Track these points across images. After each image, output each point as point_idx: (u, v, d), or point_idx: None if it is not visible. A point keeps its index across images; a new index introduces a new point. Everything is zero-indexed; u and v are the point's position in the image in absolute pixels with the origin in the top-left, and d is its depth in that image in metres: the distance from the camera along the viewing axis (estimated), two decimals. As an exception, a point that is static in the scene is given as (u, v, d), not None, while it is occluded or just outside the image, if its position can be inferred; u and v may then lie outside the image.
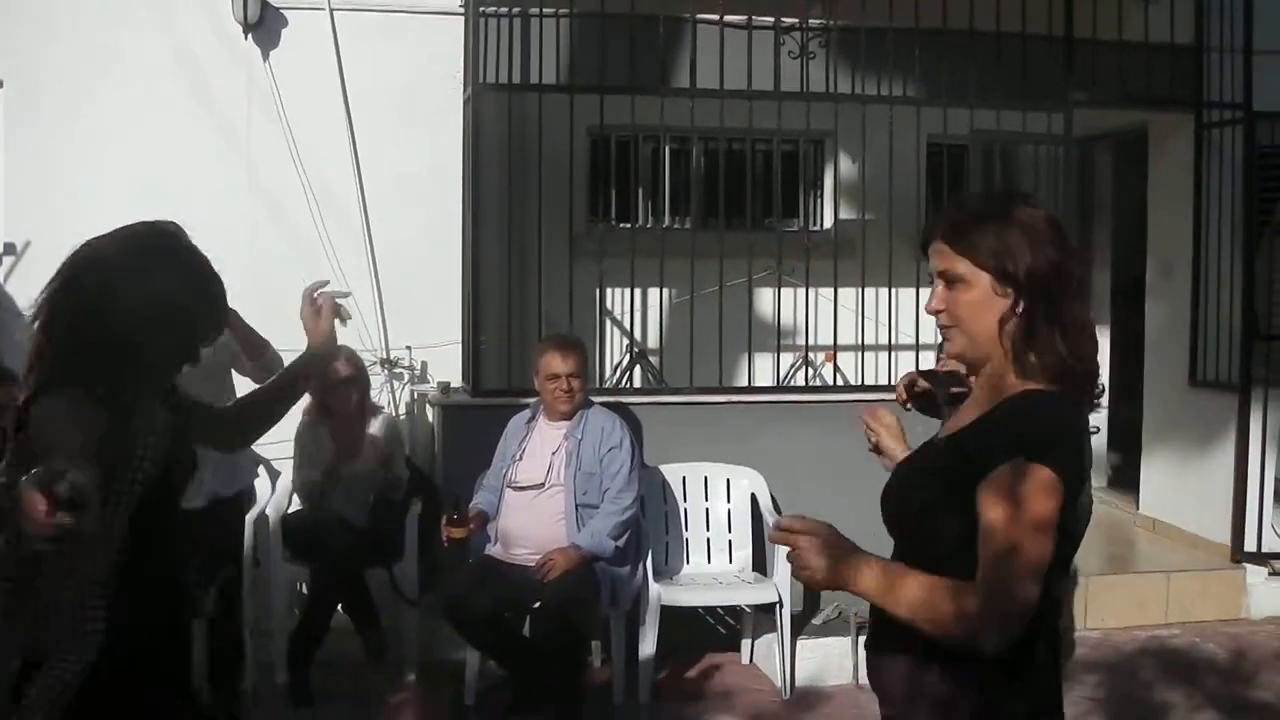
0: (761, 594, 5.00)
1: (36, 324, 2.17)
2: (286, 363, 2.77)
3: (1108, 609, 5.73)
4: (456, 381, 5.56)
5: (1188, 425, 6.42)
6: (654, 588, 4.82)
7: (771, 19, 5.46)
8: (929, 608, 1.82)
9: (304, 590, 5.12)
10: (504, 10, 5.37)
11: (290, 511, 5.10)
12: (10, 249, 5.42)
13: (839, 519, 1.94)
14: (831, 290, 5.69)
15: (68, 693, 2.03)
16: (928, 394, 2.71)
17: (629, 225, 6.48)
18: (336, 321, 2.59)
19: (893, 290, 5.63)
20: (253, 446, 3.42)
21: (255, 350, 4.19)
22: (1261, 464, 5.92)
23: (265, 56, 5.65)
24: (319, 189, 5.69)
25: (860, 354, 5.90)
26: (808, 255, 5.64)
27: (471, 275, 5.35)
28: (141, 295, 2.16)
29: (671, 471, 5.29)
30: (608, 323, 6.06)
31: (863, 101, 5.59)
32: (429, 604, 4.83)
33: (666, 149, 6.58)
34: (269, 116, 5.63)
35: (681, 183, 6.82)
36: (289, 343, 3.74)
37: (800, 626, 5.14)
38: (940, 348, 2.41)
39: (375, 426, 5.05)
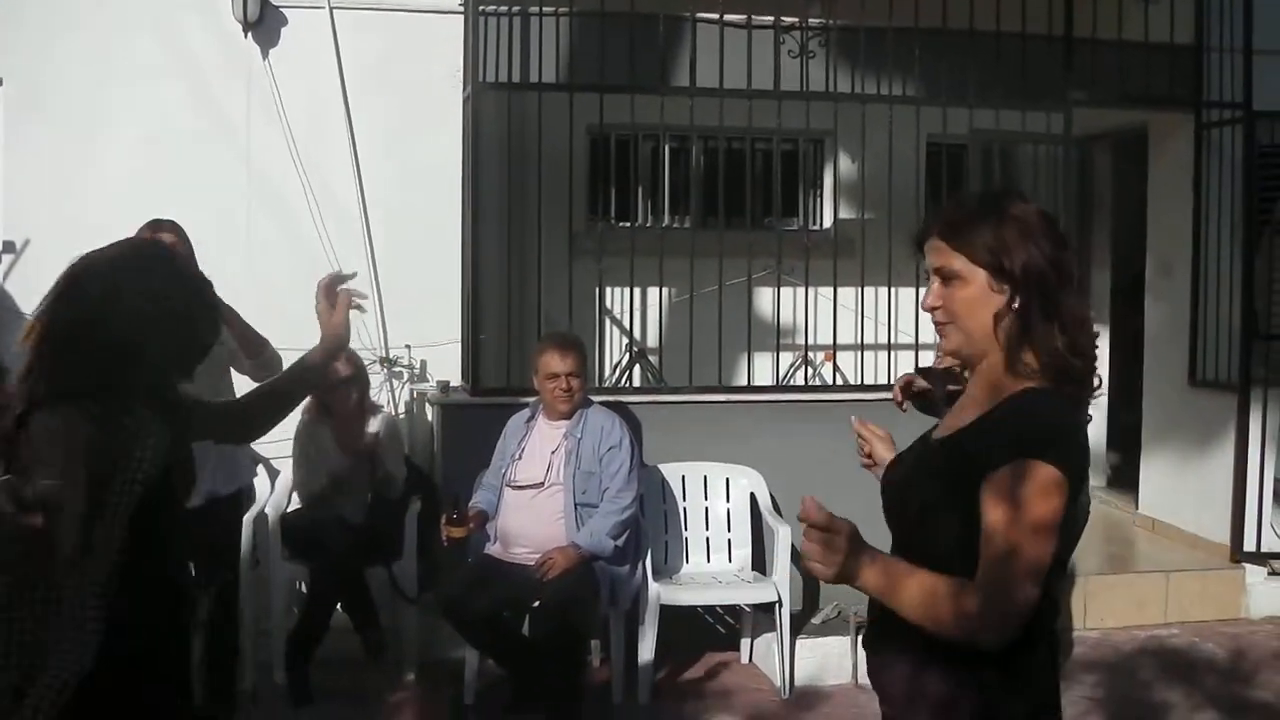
0: (761, 593, 5.00)
1: (34, 337, 2.19)
2: (286, 363, 2.77)
3: (1107, 609, 5.73)
4: (456, 380, 5.55)
5: (1187, 425, 6.41)
6: (653, 587, 4.82)
7: (771, 18, 5.46)
8: (929, 607, 1.83)
9: (303, 589, 5.12)
10: (504, 9, 5.38)
11: (289, 510, 5.10)
12: (10, 247, 5.42)
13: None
14: (831, 290, 5.68)
15: (67, 692, 2.03)
16: (926, 393, 2.71)
17: (628, 224, 6.48)
18: (353, 313, 2.60)
19: (892, 290, 5.63)
20: (252, 445, 3.42)
21: (253, 348, 4.19)
22: (1261, 464, 5.92)
23: (265, 55, 5.64)
24: (318, 188, 5.68)
25: (860, 353, 5.90)
26: (807, 255, 5.63)
27: (471, 274, 5.34)
28: (138, 306, 2.19)
29: (671, 471, 5.29)
30: (607, 322, 6.05)
31: (862, 101, 5.59)
32: (428, 603, 4.82)
33: (666, 148, 6.57)
34: (269, 115, 5.62)
35: (681, 182, 6.82)
36: (288, 341, 3.76)
37: (799, 626, 5.15)
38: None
39: (375, 425, 5.05)
